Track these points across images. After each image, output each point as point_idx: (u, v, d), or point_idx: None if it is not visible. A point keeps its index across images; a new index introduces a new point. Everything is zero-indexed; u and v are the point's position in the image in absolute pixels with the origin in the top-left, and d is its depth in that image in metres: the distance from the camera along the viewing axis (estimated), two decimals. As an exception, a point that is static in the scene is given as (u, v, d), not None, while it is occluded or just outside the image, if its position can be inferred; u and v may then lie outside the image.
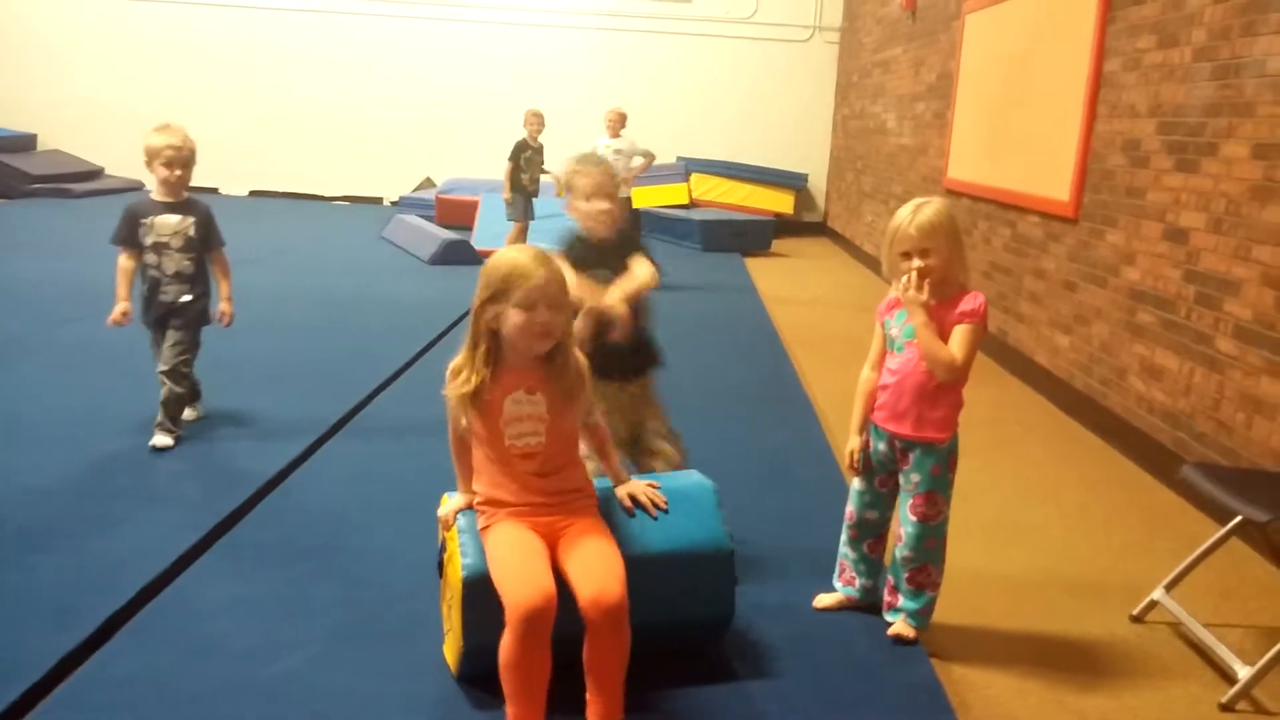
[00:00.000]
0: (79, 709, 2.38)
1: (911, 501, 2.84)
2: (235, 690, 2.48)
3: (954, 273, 2.75)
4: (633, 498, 2.64)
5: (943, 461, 2.82)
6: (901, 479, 2.89)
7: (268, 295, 7.39)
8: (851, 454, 2.94)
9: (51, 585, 2.94)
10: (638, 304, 3.08)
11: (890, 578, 2.96)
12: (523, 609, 2.19)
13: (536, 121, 9.18)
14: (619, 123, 9.19)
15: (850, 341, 6.87)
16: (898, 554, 2.90)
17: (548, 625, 2.21)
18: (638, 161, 9.15)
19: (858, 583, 3.05)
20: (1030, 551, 3.69)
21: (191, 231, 4.15)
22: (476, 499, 2.52)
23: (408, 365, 5.63)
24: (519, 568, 2.29)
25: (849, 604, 3.07)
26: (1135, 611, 3.19)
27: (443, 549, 2.64)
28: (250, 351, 5.61)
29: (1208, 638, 2.92)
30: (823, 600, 3.09)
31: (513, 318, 2.34)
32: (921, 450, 2.81)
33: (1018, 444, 4.95)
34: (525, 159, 9.14)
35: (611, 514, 2.60)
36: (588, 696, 2.36)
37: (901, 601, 2.92)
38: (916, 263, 2.70)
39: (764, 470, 4.30)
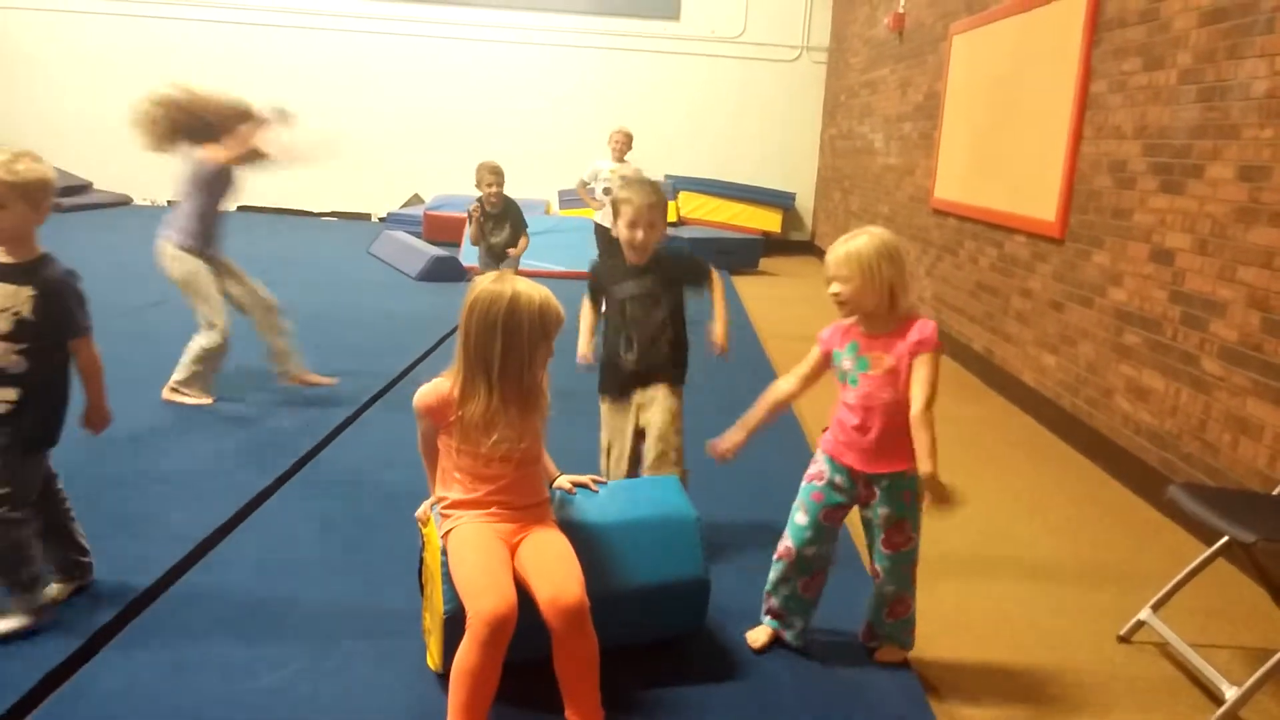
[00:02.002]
0: (64, 724, 2.37)
1: (884, 536, 2.79)
2: (221, 705, 2.48)
3: (869, 303, 2.69)
4: (573, 482, 2.83)
5: (912, 488, 2.76)
6: (868, 514, 2.82)
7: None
8: (732, 447, 2.86)
9: (36, 600, 2.92)
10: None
11: (868, 619, 2.94)
12: (486, 616, 2.22)
13: (493, 179, 6.57)
14: (625, 144, 8.04)
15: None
16: (881, 591, 2.87)
17: (508, 634, 2.25)
18: None
19: (789, 621, 2.92)
20: (1016, 571, 3.70)
21: (26, 310, 2.72)
22: (443, 503, 2.57)
23: (396, 380, 5.62)
24: (484, 575, 2.31)
25: (778, 639, 2.96)
26: (1122, 632, 3.20)
27: (420, 561, 2.67)
28: (239, 364, 5.59)
29: (1195, 658, 2.93)
30: (757, 638, 2.94)
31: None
32: (890, 481, 2.76)
33: (1004, 463, 4.97)
34: (488, 227, 6.70)
35: (593, 548, 2.65)
36: (566, 712, 2.37)
37: (885, 631, 2.92)
38: (834, 288, 2.70)
39: (752, 486, 4.29)
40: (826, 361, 2.83)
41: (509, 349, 2.42)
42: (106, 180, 13.74)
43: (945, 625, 3.21)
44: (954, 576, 3.60)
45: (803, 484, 2.88)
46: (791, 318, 8.80)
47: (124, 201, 13.75)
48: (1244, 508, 2.93)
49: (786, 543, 2.88)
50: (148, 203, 13.88)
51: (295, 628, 2.87)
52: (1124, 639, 3.19)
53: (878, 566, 2.85)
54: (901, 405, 2.66)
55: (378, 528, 3.60)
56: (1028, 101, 6.28)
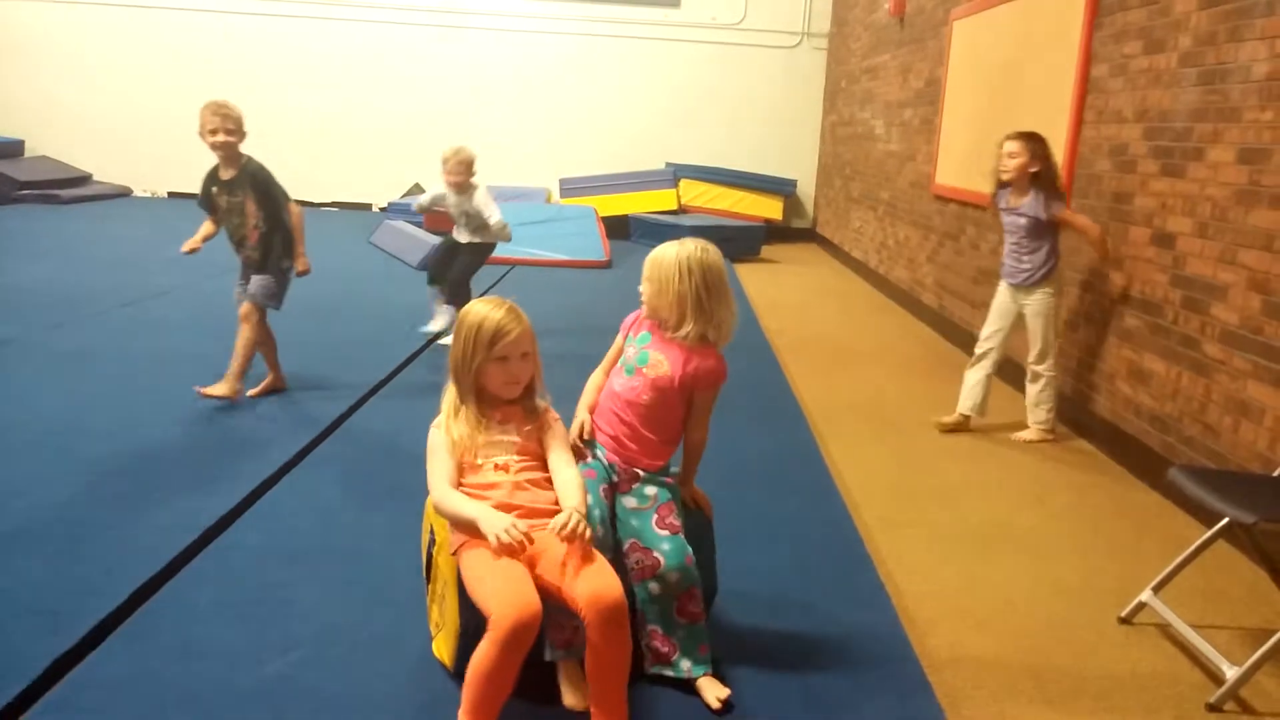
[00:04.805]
0: (71, 711, 2.38)
1: (655, 516, 2.62)
2: (226, 692, 2.49)
3: (674, 317, 2.69)
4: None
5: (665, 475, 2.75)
6: (632, 500, 2.68)
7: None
8: (582, 425, 2.79)
9: (43, 589, 2.94)
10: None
11: (653, 626, 2.59)
12: (511, 621, 2.16)
13: (218, 124, 4.64)
14: (464, 175, 6.27)
15: (838, 347, 6.90)
16: (664, 579, 2.55)
17: (531, 640, 2.21)
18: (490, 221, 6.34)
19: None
20: (1018, 554, 3.71)
21: None
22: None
23: (398, 370, 5.63)
24: (505, 583, 2.26)
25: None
26: (1123, 613, 3.21)
27: (431, 545, 2.66)
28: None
29: (1195, 639, 2.94)
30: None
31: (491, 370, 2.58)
32: (646, 474, 2.72)
33: (1005, 447, 4.97)
34: (221, 204, 4.82)
35: None
36: (591, 709, 2.36)
37: (680, 648, 2.60)
38: (641, 286, 2.75)
39: (756, 474, 4.31)
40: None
41: (470, 362, 2.56)
42: (106, 172, 13.73)
43: (947, 610, 3.23)
44: (956, 560, 3.62)
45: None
46: (794, 305, 8.81)
47: (124, 193, 13.75)
48: (1244, 489, 2.94)
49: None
50: (147, 194, 13.87)
51: (300, 615, 2.88)
52: (1125, 620, 3.20)
53: (656, 554, 2.58)
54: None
55: (381, 516, 3.61)
56: (1029, 86, 6.27)
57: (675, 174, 12.92)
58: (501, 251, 10.19)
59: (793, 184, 13.52)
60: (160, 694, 2.46)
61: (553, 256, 10.29)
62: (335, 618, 2.88)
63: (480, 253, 6.61)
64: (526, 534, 2.31)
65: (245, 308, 4.78)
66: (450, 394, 2.62)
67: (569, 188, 12.93)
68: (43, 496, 3.62)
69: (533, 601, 2.23)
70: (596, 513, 2.57)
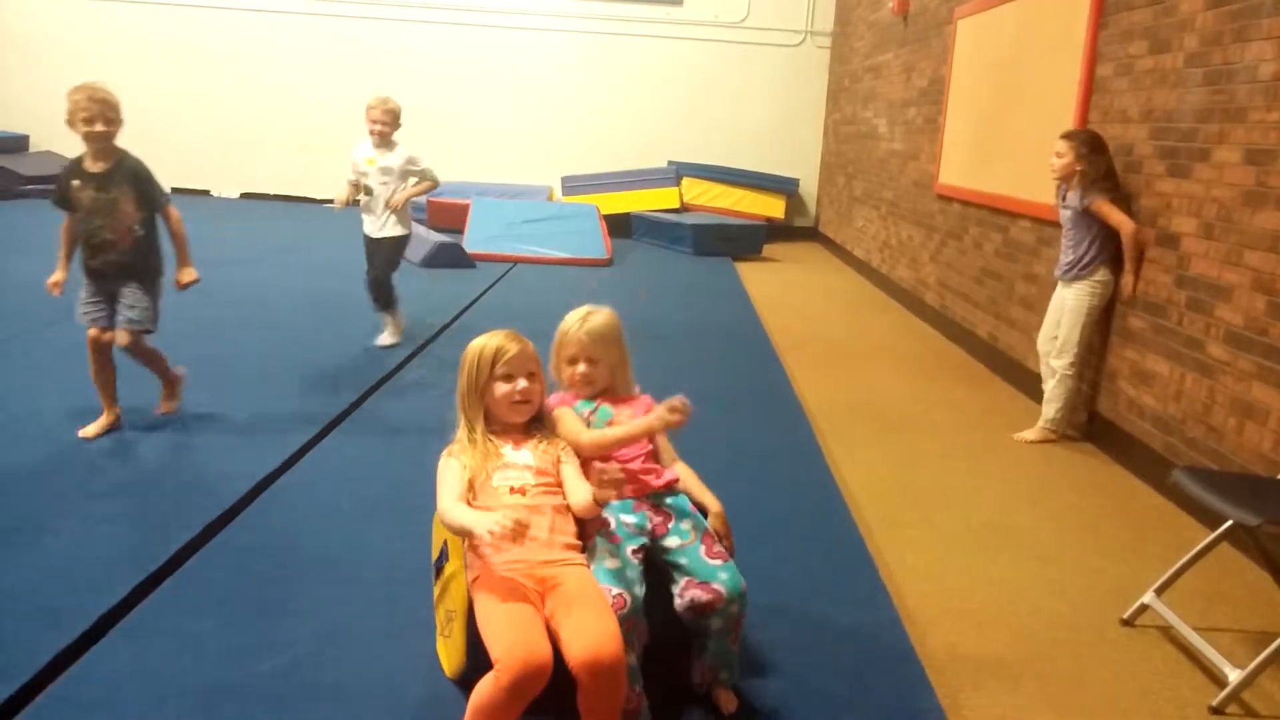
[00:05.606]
0: (72, 705, 2.38)
1: (703, 548, 2.55)
2: (225, 688, 2.48)
3: (626, 374, 2.80)
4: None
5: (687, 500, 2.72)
6: (673, 539, 2.58)
7: (260, 296, 7.39)
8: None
9: (43, 584, 2.94)
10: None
11: (710, 661, 2.56)
12: (517, 670, 2.11)
13: (93, 111, 4.01)
14: (387, 123, 6.21)
15: (840, 347, 6.89)
16: (726, 612, 2.48)
17: (537, 689, 2.14)
18: (414, 183, 6.32)
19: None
20: (1021, 555, 3.70)
21: None
22: (467, 549, 2.49)
23: (400, 366, 5.62)
24: (513, 629, 2.21)
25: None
26: (1126, 615, 3.20)
27: (444, 556, 2.63)
28: (242, 351, 5.60)
29: (1198, 641, 2.93)
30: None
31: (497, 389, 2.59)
32: (671, 496, 2.68)
33: (1008, 448, 4.96)
34: (84, 198, 4.13)
35: None
36: None
37: (724, 671, 2.58)
38: (581, 368, 2.72)
39: (757, 473, 4.30)
40: None
41: (476, 386, 2.59)
42: (110, 167, 13.73)
43: (948, 610, 3.22)
44: (957, 562, 3.61)
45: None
46: (796, 303, 8.80)
47: (127, 188, 13.75)
48: (1248, 491, 2.93)
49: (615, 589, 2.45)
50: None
51: (300, 612, 2.88)
52: (1127, 622, 3.19)
53: (714, 585, 2.48)
54: None
55: (382, 514, 3.60)
56: (1033, 86, 6.26)
57: (677, 172, 12.91)
58: (503, 250, 10.24)
59: (795, 183, 13.50)
60: (159, 689, 2.46)
61: (554, 254, 10.28)
62: (334, 614, 2.87)
63: (397, 248, 6.30)
64: (520, 521, 2.23)
65: (126, 340, 4.21)
66: (460, 427, 2.61)
67: (571, 185, 12.92)
68: (43, 492, 3.61)
69: (542, 650, 2.16)
70: (631, 573, 2.47)
